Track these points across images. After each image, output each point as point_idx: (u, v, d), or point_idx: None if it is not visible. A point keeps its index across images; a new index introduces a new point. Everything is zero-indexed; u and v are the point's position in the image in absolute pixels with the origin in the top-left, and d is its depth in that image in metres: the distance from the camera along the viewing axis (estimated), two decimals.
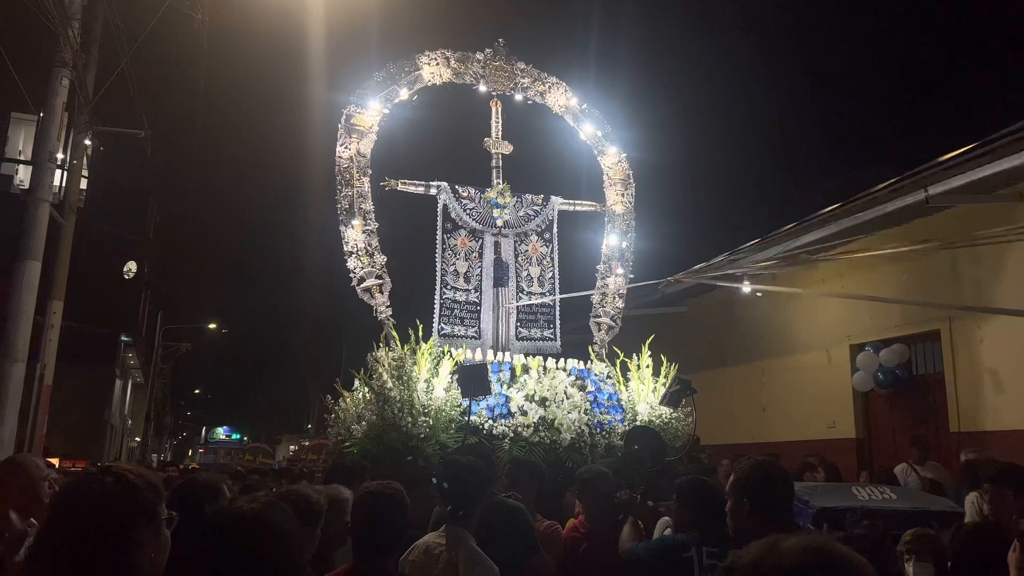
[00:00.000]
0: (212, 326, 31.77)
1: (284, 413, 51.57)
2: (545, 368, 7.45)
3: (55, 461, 13.32)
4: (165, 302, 28.39)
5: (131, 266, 20.09)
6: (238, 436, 53.55)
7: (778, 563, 1.16)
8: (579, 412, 7.05)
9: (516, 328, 8.32)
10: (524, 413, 6.95)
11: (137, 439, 29.12)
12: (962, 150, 7.52)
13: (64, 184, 11.44)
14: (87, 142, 11.76)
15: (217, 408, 57.05)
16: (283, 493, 3.35)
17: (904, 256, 9.03)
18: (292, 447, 34.63)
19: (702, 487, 3.76)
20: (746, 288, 8.30)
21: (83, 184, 14.05)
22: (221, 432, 51.31)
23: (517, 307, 8.32)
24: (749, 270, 8.65)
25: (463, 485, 3.50)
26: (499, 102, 8.83)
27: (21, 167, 15.99)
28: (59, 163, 10.23)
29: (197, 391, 53.22)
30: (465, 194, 8.36)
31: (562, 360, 7.72)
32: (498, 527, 3.73)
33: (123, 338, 20.32)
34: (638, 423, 7.16)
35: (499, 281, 8.25)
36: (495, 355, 7.68)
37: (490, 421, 6.87)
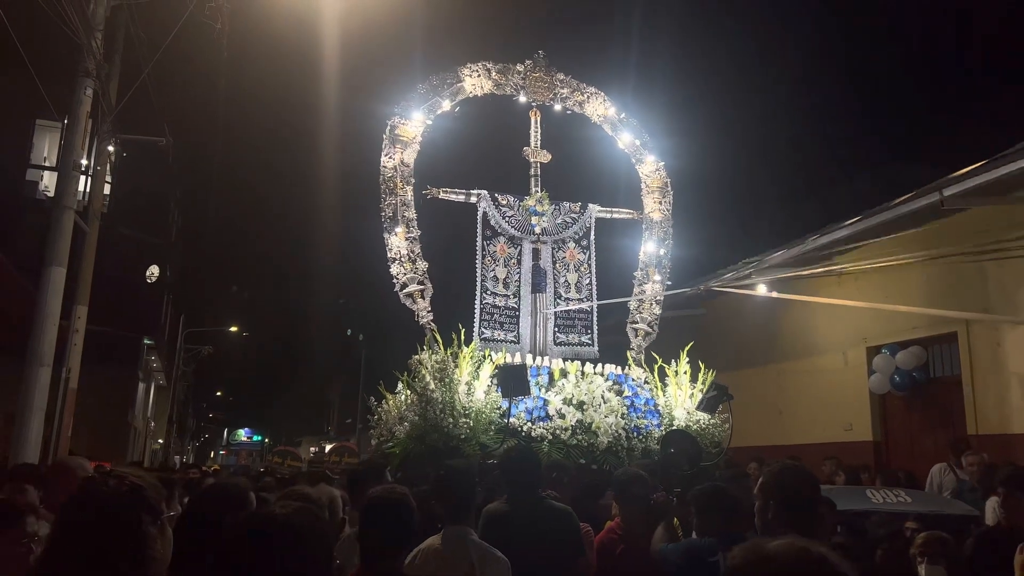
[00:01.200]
0: (233, 329, 31.94)
1: (304, 415, 51.63)
2: (583, 373, 7.61)
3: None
4: (187, 305, 28.51)
5: (153, 270, 20.27)
6: (259, 438, 53.54)
7: (763, 565, 1.25)
8: (616, 416, 7.21)
9: (554, 333, 8.50)
10: (562, 416, 7.12)
11: (160, 441, 29.19)
12: (976, 165, 7.66)
13: (88, 190, 11.61)
14: (110, 149, 11.94)
15: (238, 410, 57.08)
16: (286, 492, 3.45)
17: (923, 258, 9.15)
18: (313, 448, 34.68)
19: (719, 494, 3.86)
20: (762, 292, 8.42)
21: (106, 190, 14.23)
22: (242, 434, 51.37)
23: (555, 313, 8.49)
24: (769, 277, 8.80)
25: (458, 487, 3.63)
26: (538, 112, 9.04)
27: (46, 173, 16.19)
28: (83, 169, 10.40)
29: (219, 393, 53.28)
30: (504, 202, 8.57)
31: (600, 365, 7.88)
32: (550, 529, 3.91)
33: (146, 341, 20.41)
34: (675, 428, 7.27)
35: (537, 287, 8.44)
36: (533, 359, 7.85)
37: (529, 423, 7.04)
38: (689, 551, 3.62)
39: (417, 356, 7.28)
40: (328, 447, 24.55)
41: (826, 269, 8.99)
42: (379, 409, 7.67)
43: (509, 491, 4.13)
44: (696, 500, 3.93)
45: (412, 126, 8.31)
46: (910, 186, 8.70)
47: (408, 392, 7.43)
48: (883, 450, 10.80)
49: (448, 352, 7.18)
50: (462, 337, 7.31)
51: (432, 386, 6.92)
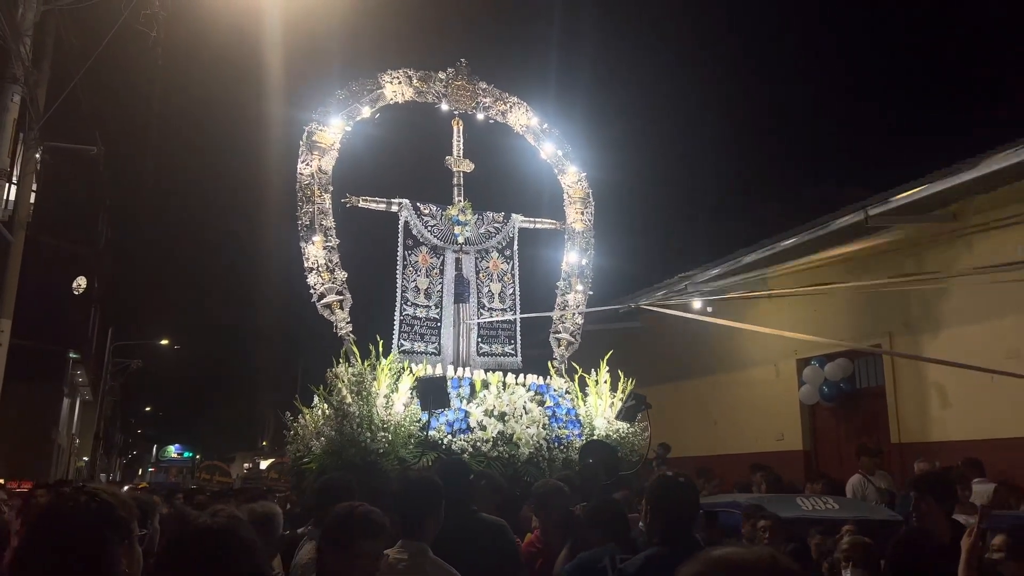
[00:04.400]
0: (164, 342, 31.07)
1: (237, 430, 50.61)
2: (504, 383, 7.57)
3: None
4: (116, 318, 27.78)
5: (80, 281, 19.65)
6: (190, 454, 52.19)
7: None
8: (537, 427, 7.17)
9: (477, 344, 8.42)
10: (483, 428, 7.05)
11: (85, 458, 28.30)
12: (906, 192, 7.88)
13: (12, 199, 11.22)
14: (37, 156, 11.57)
15: (169, 425, 55.55)
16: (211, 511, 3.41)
17: (848, 271, 9.35)
18: (246, 464, 34.02)
19: (603, 508, 3.97)
20: (693, 313, 8.49)
21: (32, 198, 13.79)
22: (172, 450, 49.98)
23: (478, 323, 8.43)
24: (702, 293, 8.88)
25: (416, 500, 3.50)
26: (461, 121, 8.97)
27: None
28: (8, 177, 10.09)
29: (148, 408, 51.90)
30: (427, 211, 8.46)
31: (521, 375, 7.85)
32: (486, 546, 3.78)
33: (71, 355, 19.81)
34: (595, 438, 7.29)
35: (460, 297, 8.35)
36: (455, 371, 7.76)
37: (449, 436, 6.94)
38: (579, 565, 3.65)
39: (333, 369, 7.11)
40: (265, 464, 24.06)
41: (761, 294, 9.14)
42: (295, 424, 7.48)
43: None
44: (590, 514, 3.99)
45: (330, 132, 8.14)
46: (836, 204, 8.91)
47: (324, 406, 7.25)
48: (812, 459, 11.00)
49: (366, 364, 7.04)
50: (380, 349, 7.17)
51: (349, 399, 6.75)
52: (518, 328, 8.71)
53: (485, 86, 9.02)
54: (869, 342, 9.92)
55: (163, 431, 54.64)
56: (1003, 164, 7.18)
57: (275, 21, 10.29)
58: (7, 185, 9.81)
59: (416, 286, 8.28)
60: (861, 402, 10.31)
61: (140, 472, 55.29)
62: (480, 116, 9.01)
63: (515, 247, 8.89)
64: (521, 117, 9.19)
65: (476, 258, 8.65)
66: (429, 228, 8.39)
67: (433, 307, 8.33)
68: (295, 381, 29.10)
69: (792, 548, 4.97)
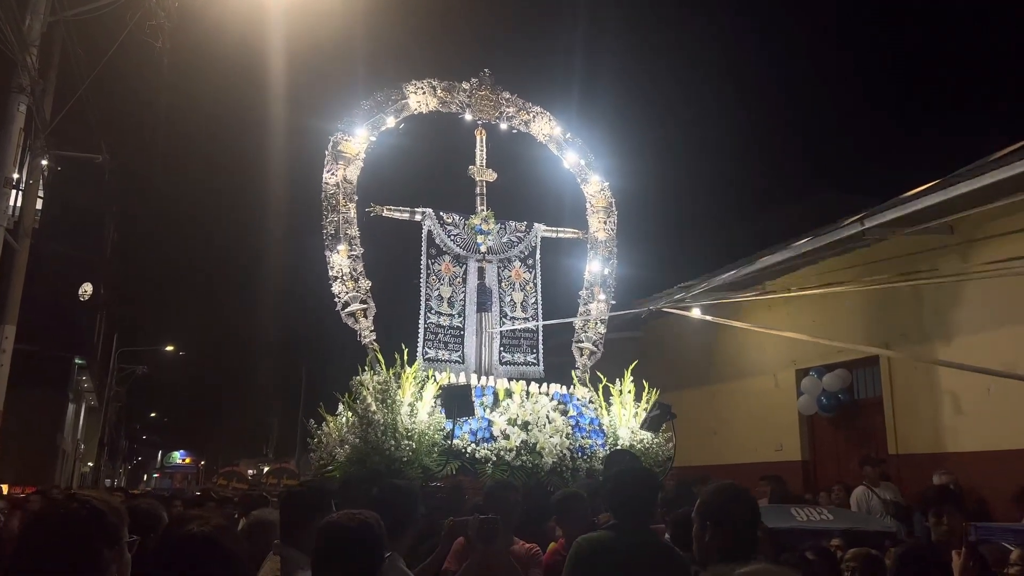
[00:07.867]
0: (169, 348, 31.01)
1: (242, 437, 50.47)
2: (528, 392, 7.55)
3: (4, 488, 13.06)
4: (121, 324, 27.76)
5: (86, 287, 19.66)
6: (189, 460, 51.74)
7: None
8: (561, 436, 7.15)
9: (499, 353, 8.42)
10: (506, 437, 7.04)
11: (90, 464, 28.19)
12: (907, 193, 8.05)
13: (19, 206, 11.29)
14: (44, 163, 11.66)
15: (174, 432, 55.22)
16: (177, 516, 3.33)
17: (852, 280, 9.46)
18: (251, 471, 33.95)
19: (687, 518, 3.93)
20: (707, 317, 8.58)
21: (38, 204, 13.85)
22: (177, 456, 49.51)
23: (500, 332, 8.43)
24: (702, 302, 8.99)
25: (395, 507, 3.43)
26: (484, 130, 9.00)
27: None
28: (14, 184, 10.18)
29: (153, 414, 51.70)
30: (449, 220, 8.50)
31: (545, 385, 7.83)
32: (661, 570, 3.42)
33: (77, 361, 19.85)
34: (619, 447, 7.29)
35: (482, 306, 8.37)
36: (479, 379, 7.75)
37: (473, 445, 6.94)
38: None
39: (358, 377, 7.11)
40: (267, 469, 24.06)
41: (759, 296, 9.21)
42: (319, 432, 7.50)
43: (618, 518, 3.64)
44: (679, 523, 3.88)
45: (355, 142, 8.20)
46: (846, 213, 9.03)
47: (349, 414, 7.25)
48: (811, 470, 11.03)
49: (390, 372, 7.06)
50: (405, 357, 7.19)
51: (373, 407, 6.76)
52: (540, 337, 8.71)
53: (508, 96, 9.07)
54: (866, 353, 9.99)
55: (168, 437, 54.34)
56: (1000, 177, 7.10)
57: (280, 31, 10.40)
58: (13, 193, 9.90)
59: (439, 294, 8.30)
60: (859, 413, 10.33)
61: (145, 478, 54.95)
62: (503, 126, 9.05)
63: (537, 256, 8.90)
64: (544, 127, 9.22)
65: (498, 267, 8.67)
66: (452, 237, 8.42)
67: (456, 316, 8.35)
68: (299, 388, 29.12)
69: (785, 557, 4.99)
